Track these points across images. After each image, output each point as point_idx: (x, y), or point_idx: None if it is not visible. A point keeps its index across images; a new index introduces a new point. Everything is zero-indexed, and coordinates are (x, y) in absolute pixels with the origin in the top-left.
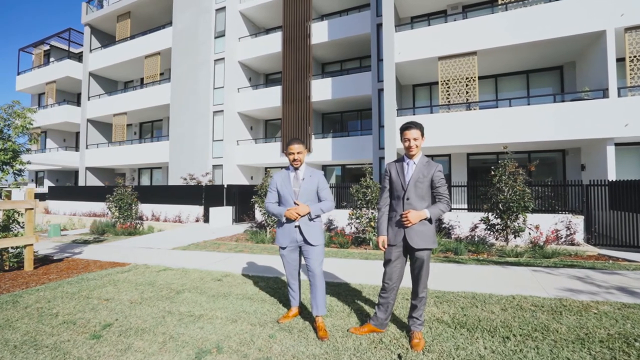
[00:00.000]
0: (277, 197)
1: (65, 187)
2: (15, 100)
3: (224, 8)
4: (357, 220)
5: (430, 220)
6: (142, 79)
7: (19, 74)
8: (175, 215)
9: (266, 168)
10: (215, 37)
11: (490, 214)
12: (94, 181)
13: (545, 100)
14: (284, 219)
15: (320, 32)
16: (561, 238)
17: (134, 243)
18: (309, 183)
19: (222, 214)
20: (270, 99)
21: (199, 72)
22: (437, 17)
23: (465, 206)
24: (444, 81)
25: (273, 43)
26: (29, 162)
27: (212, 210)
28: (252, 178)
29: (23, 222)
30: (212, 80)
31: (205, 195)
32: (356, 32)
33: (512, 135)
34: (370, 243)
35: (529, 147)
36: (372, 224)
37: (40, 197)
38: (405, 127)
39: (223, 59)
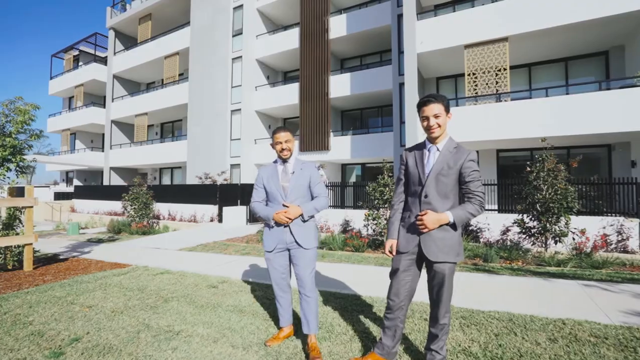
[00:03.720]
0: (265, 195)
1: (89, 186)
2: (18, 97)
3: (241, 6)
4: (374, 222)
5: (454, 226)
6: (162, 80)
7: (51, 78)
8: (191, 214)
9: None
10: (233, 36)
11: (525, 215)
12: (118, 181)
13: (588, 88)
14: (272, 223)
15: (338, 27)
16: (611, 244)
17: (145, 243)
18: (299, 177)
19: (236, 214)
20: (288, 96)
21: (216, 71)
22: (463, 3)
23: (496, 207)
24: (471, 71)
25: (291, 39)
26: (34, 160)
27: (225, 209)
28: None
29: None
30: (230, 79)
31: (219, 194)
32: (376, 24)
33: (550, 128)
34: None
35: (569, 141)
36: None
37: (67, 196)
38: (422, 103)
39: (241, 57)
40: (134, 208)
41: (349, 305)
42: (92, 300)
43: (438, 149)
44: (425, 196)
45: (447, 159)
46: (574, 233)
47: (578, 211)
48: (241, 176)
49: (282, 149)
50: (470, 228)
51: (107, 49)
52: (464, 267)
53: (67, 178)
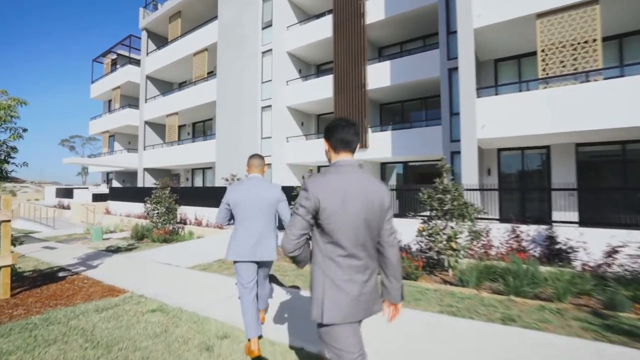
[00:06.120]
0: None
1: (122, 188)
2: (2, 90)
3: None
4: (430, 238)
5: None
6: (193, 78)
7: (92, 82)
8: None
9: (319, 167)
10: (263, 28)
11: None
12: (151, 182)
13: None
14: None
15: (375, 10)
16: None
17: (161, 255)
18: None
19: None
20: (322, 90)
21: (246, 66)
22: None
23: (576, 217)
24: (545, 46)
25: (323, 28)
26: (25, 164)
27: None
28: (303, 178)
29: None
30: (260, 74)
31: None
32: (419, 4)
33: None
34: (450, 270)
35: None
36: (452, 243)
37: (104, 197)
38: None
39: (271, 50)
40: (157, 213)
41: None
42: None
43: None
44: None
45: None
46: None
47: None
48: (272, 177)
49: None
50: (558, 247)
51: (140, 50)
52: (581, 320)
53: (108, 179)
